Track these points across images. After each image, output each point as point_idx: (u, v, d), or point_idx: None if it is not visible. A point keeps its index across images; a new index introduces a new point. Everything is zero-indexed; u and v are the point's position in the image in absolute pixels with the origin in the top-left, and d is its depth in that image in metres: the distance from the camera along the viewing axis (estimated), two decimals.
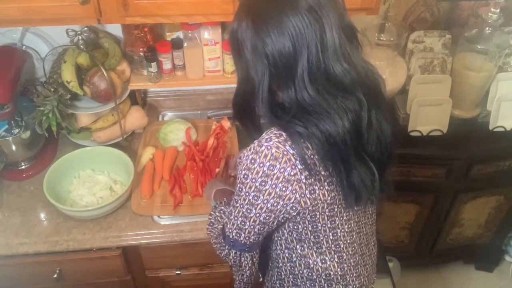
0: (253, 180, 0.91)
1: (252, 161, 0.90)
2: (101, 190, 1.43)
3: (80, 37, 1.38)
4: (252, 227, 0.97)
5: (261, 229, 0.97)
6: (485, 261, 2.28)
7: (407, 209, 1.92)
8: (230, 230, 1.00)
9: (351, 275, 1.08)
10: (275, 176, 0.89)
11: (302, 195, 0.91)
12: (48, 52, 1.51)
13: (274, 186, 0.90)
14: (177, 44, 1.50)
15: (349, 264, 1.06)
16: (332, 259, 1.04)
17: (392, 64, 1.69)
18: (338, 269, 1.05)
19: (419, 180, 1.79)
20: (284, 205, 0.92)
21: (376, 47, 1.70)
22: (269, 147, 0.89)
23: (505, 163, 1.79)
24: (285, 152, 0.88)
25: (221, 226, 1.06)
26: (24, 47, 1.56)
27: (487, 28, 1.65)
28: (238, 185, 0.95)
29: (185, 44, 1.50)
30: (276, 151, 0.88)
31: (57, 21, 1.22)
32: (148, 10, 1.21)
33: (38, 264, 1.35)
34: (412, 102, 1.67)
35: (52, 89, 1.43)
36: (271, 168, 0.89)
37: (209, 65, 1.54)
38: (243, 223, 0.97)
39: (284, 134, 0.90)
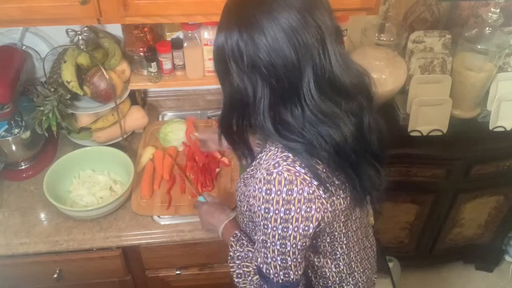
0: (276, 212, 0.86)
1: (268, 191, 0.86)
2: (101, 190, 1.43)
3: (80, 37, 1.38)
4: (294, 259, 0.90)
5: (303, 256, 0.92)
6: (485, 261, 2.28)
7: (407, 209, 1.92)
8: (277, 274, 0.92)
9: (359, 272, 1.08)
10: (296, 200, 0.85)
11: (326, 211, 0.89)
12: (48, 52, 1.51)
13: (298, 210, 0.85)
14: (177, 44, 1.50)
15: (356, 261, 1.07)
16: (345, 264, 1.04)
17: (392, 64, 1.69)
18: (348, 269, 1.05)
19: (419, 180, 1.79)
20: (314, 227, 0.88)
21: (376, 47, 1.70)
22: (280, 173, 0.85)
23: (505, 163, 1.79)
24: (297, 174, 0.85)
25: (257, 277, 0.98)
26: (24, 47, 1.56)
27: (487, 28, 1.65)
28: (262, 222, 0.89)
29: (185, 44, 1.50)
30: (288, 175, 0.84)
31: (57, 21, 1.22)
32: (148, 10, 1.21)
33: (38, 264, 1.35)
34: (412, 102, 1.67)
35: (52, 89, 1.43)
36: (290, 193, 0.85)
37: (209, 65, 1.54)
38: (284, 261, 0.90)
39: (290, 155, 0.86)
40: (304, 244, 0.89)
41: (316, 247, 1.00)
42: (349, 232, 1.01)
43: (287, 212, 0.85)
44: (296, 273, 0.92)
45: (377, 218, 1.18)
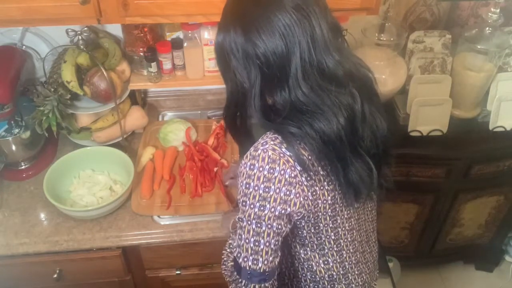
0: (256, 188, 0.88)
1: (251, 166, 0.89)
2: (101, 190, 1.43)
3: (80, 37, 1.38)
4: (268, 243, 0.90)
5: (277, 243, 0.91)
6: (485, 261, 2.28)
7: (407, 209, 1.92)
8: (246, 259, 0.92)
9: (353, 273, 1.08)
10: (277, 180, 0.87)
11: (305, 198, 0.90)
12: (48, 52, 1.51)
13: (278, 191, 0.88)
14: (177, 44, 1.50)
15: (350, 262, 1.06)
16: (334, 261, 1.04)
17: (392, 64, 1.69)
18: (340, 269, 1.05)
19: (419, 180, 1.79)
20: (291, 212, 0.90)
21: (376, 47, 1.70)
22: (265, 150, 0.88)
23: (505, 163, 1.79)
24: (281, 154, 0.87)
25: (232, 263, 0.99)
26: (24, 47, 1.56)
27: (487, 28, 1.65)
28: (241, 200, 0.91)
29: (185, 44, 1.50)
30: (272, 153, 0.87)
31: (57, 21, 1.22)
32: (148, 10, 1.21)
33: (38, 264, 1.35)
34: (412, 102, 1.67)
35: (52, 89, 1.43)
36: (271, 171, 0.87)
37: (209, 65, 1.54)
38: (257, 243, 0.90)
39: (279, 137, 0.89)
40: (279, 226, 0.90)
41: (302, 238, 1.00)
42: (339, 229, 1.00)
43: (266, 190, 0.87)
44: (266, 262, 0.91)
45: (377, 218, 1.17)
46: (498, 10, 1.59)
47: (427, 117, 1.69)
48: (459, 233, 2.07)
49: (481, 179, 1.83)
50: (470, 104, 1.78)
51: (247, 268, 0.92)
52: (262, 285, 0.94)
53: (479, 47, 1.65)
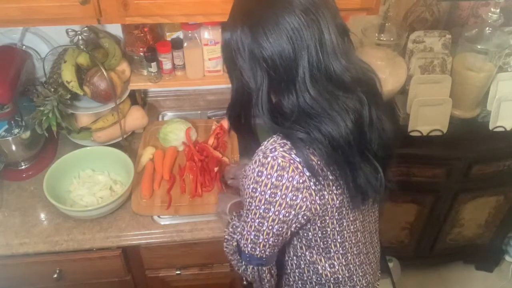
0: (262, 193, 0.90)
1: (259, 173, 0.89)
2: (101, 190, 1.43)
3: (80, 37, 1.38)
4: (266, 240, 0.96)
5: (275, 241, 0.96)
6: (485, 261, 2.29)
7: (407, 209, 1.92)
8: (245, 245, 0.99)
9: (357, 275, 1.08)
10: (284, 187, 0.88)
11: (313, 202, 0.90)
12: (48, 52, 1.50)
13: (284, 196, 0.89)
14: (177, 44, 1.50)
15: (354, 264, 1.06)
16: (340, 264, 1.04)
17: (392, 64, 1.69)
18: (346, 271, 1.05)
19: (419, 180, 1.79)
20: (296, 214, 0.91)
21: (376, 47, 1.70)
22: (275, 158, 0.88)
23: (505, 163, 1.79)
24: (291, 161, 0.87)
25: (236, 243, 1.05)
26: (24, 47, 1.56)
27: (487, 28, 1.65)
28: (247, 200, 0.94)
29: (185, 44, 1.50)
30: (282, 161, 0.87)
31: (57, 21, 1.22)
32: (148, 10, 1.21)
33: (38, 264, 1.35)
34: (412, 102, 1.67)
35: (52, 89, 1.43)
36: (279, 178, 0.88)
37: (209, 65, 1.54)
38: (256, 237, 0.96)
39: (288, 143, 0.89)
40: (280, 229, 0.93)
41: (308, 240, 1.01)
42: (345, 232, 1.01)
43: (273, 195, 0.89)
44: (263, 251, 0.98)
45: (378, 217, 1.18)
46: (498, 10, 1.59)
47: (427, 117, 1.69)
48: (459, 233, 2.07)
49: (481, 179, 1.83)
50: (470, 104, 1.78)
51: (246, 252, 1.00)
52: (260, 268, 1.01)
53: (479, 47, 1.65)
